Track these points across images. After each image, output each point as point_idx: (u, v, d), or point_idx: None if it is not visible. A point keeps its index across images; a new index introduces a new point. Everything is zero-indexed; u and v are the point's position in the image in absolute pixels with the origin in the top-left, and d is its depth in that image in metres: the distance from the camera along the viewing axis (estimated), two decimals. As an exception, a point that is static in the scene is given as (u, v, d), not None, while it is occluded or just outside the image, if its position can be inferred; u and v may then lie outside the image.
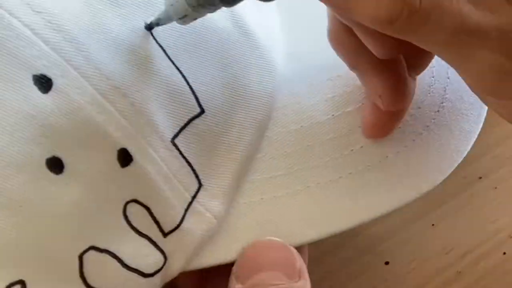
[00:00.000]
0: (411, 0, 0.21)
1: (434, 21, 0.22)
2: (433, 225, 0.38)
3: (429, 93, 0.32)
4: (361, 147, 0.31)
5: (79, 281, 0.25)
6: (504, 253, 0.37)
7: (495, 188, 0.39)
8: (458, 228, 0.38)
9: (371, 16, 0.22)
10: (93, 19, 0.26)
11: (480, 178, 0.39)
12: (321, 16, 0.32)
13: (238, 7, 0.30)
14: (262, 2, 0.27)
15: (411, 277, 0.37)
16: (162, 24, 0.27)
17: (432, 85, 0.32)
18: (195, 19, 0.26)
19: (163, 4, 0.26)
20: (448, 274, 0.36)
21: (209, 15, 0.27)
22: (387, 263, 0.37)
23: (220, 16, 0.30)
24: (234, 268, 0.28)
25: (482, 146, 0.39)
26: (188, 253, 0.29)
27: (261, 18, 0.32)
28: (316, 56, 0.32)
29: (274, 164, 0.30)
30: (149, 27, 0.27)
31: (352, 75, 0.31)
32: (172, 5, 0.25)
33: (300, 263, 0.28)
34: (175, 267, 0.28)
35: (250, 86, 0.30)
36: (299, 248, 0.30)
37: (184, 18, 0.26)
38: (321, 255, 0.36)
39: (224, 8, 0.26)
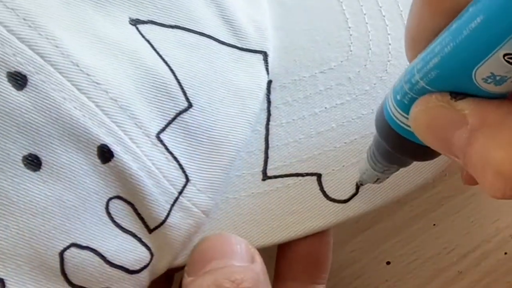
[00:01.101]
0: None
1: None
2: (434, 225, 0.38)
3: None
4: (355, 139, 0.31)
5: (61, 278, 0.25)
6: (506, 253, 0.37)
7: (496, 188, 0.38)
8: (459, 228, 0.38)
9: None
10: (72, 15, 0.26)
11: (481, 178, 0.39)
12: (311, 8, 0.32)
13: (229, 1, 0.30)
14: None
15: (412, 277, 0.37)
16: (364, 184, 0.30)
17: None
18: (387, 177, 0.29)
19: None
20: (449, 274, 0.36)
21: (185, 12, 0.28)
22: (388, 263, 0.37)
23: (209, 12, 0.30)
24: (186, 267, 0.28)
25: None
26: (175, 248, 0.28)
27: (252, 12, 0.32)
28: (308, 49, 0.32)
29: (263, 158, 0.30)
30: (135, 22, 0.27)
31: (344, 68, 0.32)
32: (364, 173, 0.29)
33: (253, 250, 0.29)
34: (163, 263, 0.28)
35: (240, 82, 0.30)
36: (321, 244, 0.30)
37: (377, 181, 0.29)
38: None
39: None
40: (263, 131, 0.31)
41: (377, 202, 0.31)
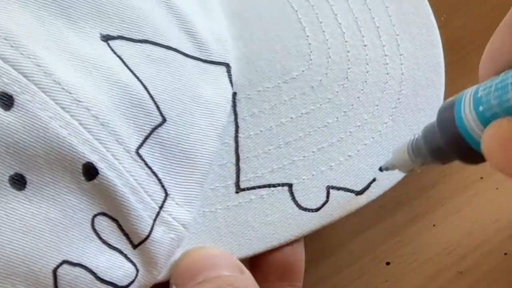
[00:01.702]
0: None
1: None
2: (434, 225, 0.38)
3: (385, 90, 0.33)
4: (323, 147, 0.31)
5: None
6: (506, 254, 0.37)
7: (496, 188, 0.38)
8: (459, 228, 0.38)
9: None
10: (47, 33, 0.26)
11: (482, 178, 0.39)
12: (267, 18, 0.33)
13: (188, 14, 0.30)
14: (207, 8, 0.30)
15: (412, 277, 0.37)
16: (388, 170, 0.31)
17: (387, 82, 0.33)
18: (419, 171, 0.29)
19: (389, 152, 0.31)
20: (450, 275, 0.36)
21: (151, 25, 0.28)
22: (388, 263, 0.37)
23: (171, 25, 0.30)
24: (172, 280, 0.29)
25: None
26: (159, 263, 0.29)
27: (210, 24, 0.32)
28: (268, 60, 0.33)
29: (235, 170, 0.31)
30: (106, 38, 0.28)
31: (306, 77, 0.32)
32: (400, 163, 0.29)
33: (238, 262, 0.29)
34: (148, 278, 0.29)
35: (207, 94, 0.30)
36: (294, 252, 0.31)
37: (410, 171, 0.30)
38: (322, 255, 0.36)
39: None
40: (233, 144, 0.31)
41: (348, 208, 0.31)
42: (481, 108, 0.23)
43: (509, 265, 0.36)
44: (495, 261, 0.36)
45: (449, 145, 0.26)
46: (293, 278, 0.31)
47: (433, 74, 0.34)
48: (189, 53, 0.30)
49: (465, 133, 0.24)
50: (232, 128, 0.31)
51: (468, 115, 0.24)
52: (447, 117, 0.25)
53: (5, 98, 0.24)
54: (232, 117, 0.31)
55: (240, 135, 0.31)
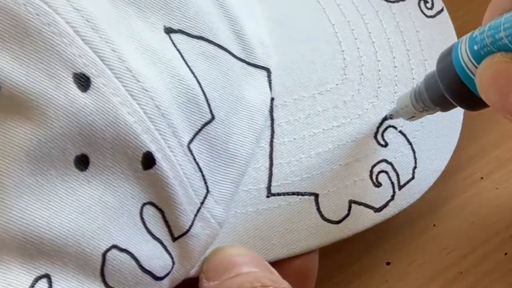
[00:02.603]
0: None
1: None
2: (434, 225, 0.38)
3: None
4: (349, 162, 0.32)
5: (99, 279, 0.26)
6: (506, 254, 0.37)
7: (496, 188, 0.38)
8: (459, 229, 0.38)
9: None
10: (120, 20, 0.26)
11: (482, 178, 0.39)
12: (305, 28, 0.33)
13: (238, 15, 0.30)
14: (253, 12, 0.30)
15: (412, 277, 0.37)
16: (393, 118, 0.33)
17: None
18: (421, 118, 0.31)
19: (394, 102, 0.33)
20: (450, 275, 0.36)
21: (207, 22, 0.29)
22: (388, 263, 0.37)
23: (223, 25, 0.30)
24: (203, 274, 0.29)
25: (483, 146, 0.39)
26: (194, 258, 0.29)
27: (256, 28, 0.32)
28: (305, 69, 0.33)
29: (268, 175, 0.31)
30: (168, 31, 0.28)
31: (340, 90, 0.33)
32: (402, 109, 0.31)
33: (267, 263, 0.30)
34: (181, 271, 0.29)
35: (249, 96, 0.31)
36: (310, 259, 0.32)
37: (411, 118, 0.31)
38: (322, 255, 0.36)
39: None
40: (268, 148, 0.31)
41: (366, 224, 0.32)
42: (475, 47, 0.25)
43: (509, 265, 0.36)
44: (495, 261, 0.36)
45: (448, 88, 0.27)
46: (306, 285, 0.32)
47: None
48: (236, 54, 0.31)
49: (462, 73, 0.26)
50: (268, 133, 0.32)
51: (464, 56, 0.25)
52: (445, 62, 0.27)
53: (83, 79, 0.24)
54: (269, 122, 0.32)
55: (275, 140, 0.32)
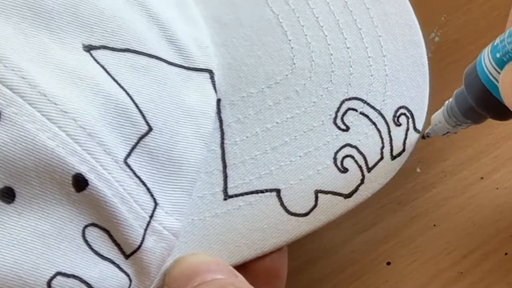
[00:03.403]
0: None
1: None
2: (434, 225, 0.38)
3: (369, 92, 0.33)
4: (309, 151, 0.32)
5: None
6: (506, 254, 0.37)
7: (497, 188, 0.38)
8: (459, 229, 0.37)
9: None
10: (30, 45, 0.26)
11: (482, 178, 0.39)
12: (247, 23, 0.33)
13: (169, 21, 0.30)
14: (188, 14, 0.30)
15: (412, 277, 0.36)
16: (429, 136, 0.33)
17: (371, 84, 0.33)
18: (455, 133, 0.32)
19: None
20: (450, 275, 0.36)
21: (133, 34, 0.29)
22: (388, 263, 0.37)
23: (153, 33, 0.30)
24: (167, 286, 0.29)
25: (484, 146, 0.39)
26: (152, 272, 0.29)
27: (191, 31, 0.32)
28: (251, 65, 0.32)
29: (222, 177, 0.31)
30: (88, 48, 0.27)
31: (290, 81, 0.32)
32: (436, 125, 0.32)
33: (231, 267, 0.29)
34: (141, 287, 0.29)
35: (191, 102, 0.30)
36: (280, 257, 0.31)
37: (446, 134, 0.32)
38: (321, 255, 0.36)
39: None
40: (219, 150, 0.31)
41: (337, 212, 0.31)
42: (498, 55, 0.26)
43: (510, 265, 0.36)
44: (496, 261, 0.36)
45: (477, 100, 0.28)
46: (279, 284, 0.31)
47: (417, 74, 0.34)
48: (171, 61, 0.30)
49: (487, 82, 0.27)
50: (218, 135, 0.31)
51: (488, 65, 0.27)
52: (472, 75, 0.28)
53: None
54: (218, 124, 0.31)
55: (226, 141, 0.31)
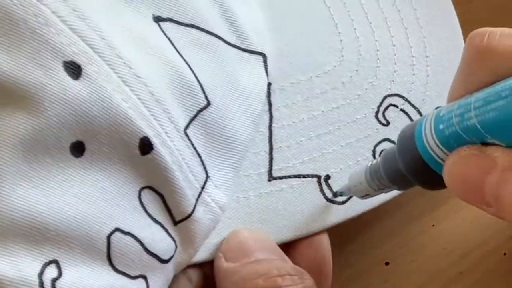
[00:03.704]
0: None
1: None
2: (433, 225, 0.38)
3: (411, 90, 0.34)
4: (351, 142, 0.32)
5: (107, 262, 0.26)
6: (505, 254, 0.37)
7: (496, 188, 0.38)
8: (458, 229, 0.38)
9: None
10: (109, 9, 0.27)
11: (480, 178, 0.39)
12: (300, 12, 0.33)
13: (230, 3, 0.31)
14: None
15: (411, 277, 0.37)
16: (342, 196, 0.31)
17: (413, 83, 0.34)
18: (374, 196, 0.29)
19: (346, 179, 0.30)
20: (449, 275, 0.36)
21: (197, 10, 0.29)
22: (387, 263, 0.37)
23: (214, 12, 0.30)
24: (222, 253, 0.29)
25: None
26: (197, 243, 0.29)
27: (249, 13, 0.32)
28: (301, 53, 0.33)
29: (268, 159, 0.31)
30: (157, 19, 0.28)
31: (338, 72, 0.33)
32: (355, 186, 0.29)
33: (280, 250, 0.30)
34: (185, 256, 0.29)
35: (245, 82, 0.31)
36: (326, 250, 0.31)
37: (365, 196, 0.29)
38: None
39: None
40: (267, 132, 0.32)
41: (371, 204, 0.32)
42: (441, 126, 0.22)
43: (508, 265, 0.36)
44: (495, 261, 0.37)
45: (409, 169, 0.25)
46: (324, 277, 0.31)
47: None
48: (229, 41, 0.31)
49: (423, 152, 0.23)
50: (266, 118, 0.32)
51: (428, 134, 0.23)
52: (407, 140, 0.24)
53: (73, 68, 0.24)
54: (267, 107, 0.32)
55: (274, 124, 0.32)
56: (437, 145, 0.23)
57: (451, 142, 0.22)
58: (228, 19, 0.31)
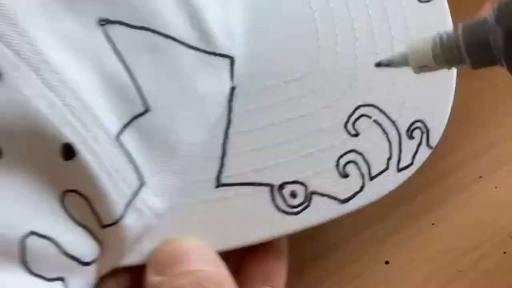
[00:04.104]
0: None
1: None
2: (433, 224, 0.38)
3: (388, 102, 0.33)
4: (312, 152, 0.31)
5: (22, 266, 0.26)
6: (505, 253, 0.37)
7: (495, 187, 0.38)
8: (458, 228, 0.38)
9: None
10: (43, 13, 0.26)
11: (480, 177, 0.39)
12: (283, 13, 0.32)
13: (200, 3, 0.29)
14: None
15: (411, 276, 0.37)
16: (389, 66, 0.27)
17: (392, 94, 0.33)
18: (428, 72, 0.26)
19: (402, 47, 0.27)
20: (449, 274, 0.36)
21: (155, 12, 0.28)
22: (387, 262, 0.37)
23: (178, 13, 0.29)
24: (150, 267, 0.29)
25: (482, 145, 0.39)
26: (124, 248, 0.29)
27: (223, 14, 0.31)
28: (275, 58, 0.32)
29: (219, 165, 0.30)
30: (105, 22, 0.27)
31: (309, 79, 0.32)
32: (414, 53, 0.26)
33: (214, 255, 0.29)
34: (110, 260, 0.29)
35: (202, 86, 0.30)
36: (275, 254, 0.31)
37: (421, 68, 0.26)
38: (321, 254, 0.36)
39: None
40: (221, 138, 0.31)
41: (329, 216, 0.31)
42: None
43: (508, 264, 0.36)
44: (495, 260, 0.37)
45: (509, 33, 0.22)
46: (276, 283, 0.31)
47: (442, 92, 0.33)
48: (191, 43, 0.30)
49: None
50: (223, 122, 0.31)
51: None
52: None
53: None
54: (226, 112, 0.31)
55: (231, 130, 0.31)
56: None
57: None
58: (194, 20, 0.30)
